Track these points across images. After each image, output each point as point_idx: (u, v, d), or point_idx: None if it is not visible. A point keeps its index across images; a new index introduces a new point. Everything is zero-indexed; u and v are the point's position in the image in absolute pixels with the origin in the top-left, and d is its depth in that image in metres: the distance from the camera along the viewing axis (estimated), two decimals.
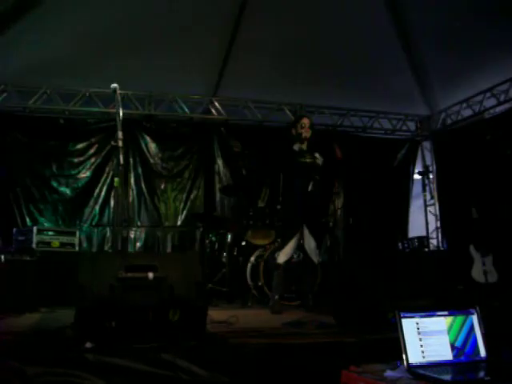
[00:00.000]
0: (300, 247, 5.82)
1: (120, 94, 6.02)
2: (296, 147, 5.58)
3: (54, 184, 8.00)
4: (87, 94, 8.15)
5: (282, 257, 5.45)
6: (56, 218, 7.88)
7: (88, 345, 2.86)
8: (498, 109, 8.44)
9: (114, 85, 5.02)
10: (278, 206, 6.77)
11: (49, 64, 7.40)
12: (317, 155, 5.56)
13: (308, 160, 5.45)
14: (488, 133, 5.72)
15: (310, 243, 5.47)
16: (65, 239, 6.70)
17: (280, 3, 7.66)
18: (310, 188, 5.34)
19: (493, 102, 8.49)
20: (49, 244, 6.54)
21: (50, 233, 6.69)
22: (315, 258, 5.51)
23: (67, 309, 3.35)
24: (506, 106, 8.24)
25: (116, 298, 3.12)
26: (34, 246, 6.37)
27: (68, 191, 8.06)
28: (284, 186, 5.64)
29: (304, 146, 5.57)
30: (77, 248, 6.83)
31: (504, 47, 7.52)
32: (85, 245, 7.91)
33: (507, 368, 2.33)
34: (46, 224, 7.67)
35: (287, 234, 5.47)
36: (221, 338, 3.39)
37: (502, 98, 8.29)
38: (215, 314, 4.30)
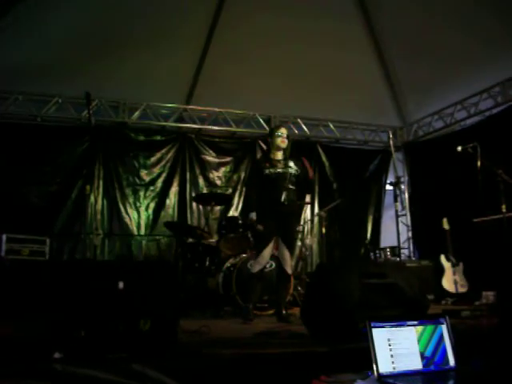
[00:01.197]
0: (274, 257, 5.83)
1: (93, 100, 6.03)
2: (270, 157, 5.57)
3: (25, 191, 7.86)
4: (60, 100, 8.08)
5: (255, 266, 5.43)
6: (26, 226, 7.74)
7: (57, 355, 2.81)
8: (469, 121, 8.59)
9: (87, 91, 4.98)
10: (251, 215, 6.76)
11: (21, 69, 7.32)
12: (291, 165, 5.56)
13: (280, 170, 5.45)
14: (458, 144, 5.78)
15: (283, 253, 5.47)
16: (35, 247, 6.60)
17: (254, 15, 7.73)
18: (283, 198, 5.34)
19: (463, 114, 8.64)
20: (18, 252, 6.44)
21: (20, 241, 6.58)
22: (289, 268, 5.51)
23: (36, 318, 3.30)
24: (476, 118, 8.39)
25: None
26: (2, 254, 6.26)
27: (39, 199, 7.93)
28: (257, 196, 5.63)
29: (279, 156, 5.57)
30: (47, 256, 6.73)
31: (475, 61, 7.67)
32: (55, 254, 7.80)
33: (476, 377, 2.35)
34: (15, 232, 7.54)
35: (261, 243, 5.46)
36: (192, 348, 3.36)
37: (473, 110, 8.44)
38: (187, 323, 4.26)
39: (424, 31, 7.78)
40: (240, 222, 7.05)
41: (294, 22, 7.89)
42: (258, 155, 8.99)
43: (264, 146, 9.06)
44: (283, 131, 5.57)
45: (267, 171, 5.41)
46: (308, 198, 9.23)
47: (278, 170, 5.42)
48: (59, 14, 7.04)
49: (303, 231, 9.11)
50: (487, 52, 7.43)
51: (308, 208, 9.43)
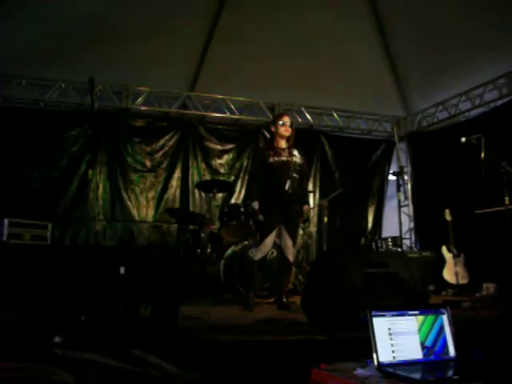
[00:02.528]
0: (276, 245, 5.82)
1: (96, 86, 6.00)
2: (274, 145, 5.55)
3: (27, 176, 7.86)
4: (63, 85, 8.06)
5: (257, 254, 5.43)
6: (28, 211, 7.75)
7: (57, 339, 2.82)
8: (473, 112, 8.54)
9: (91, 76, 4.96)
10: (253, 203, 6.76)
11: (23, 54, 7.30)
12: (295, 153, 5.55)
13: (285, 158, 5.43)
14: (462, 136, 5.75)
15: (286, 241, 5.46)
16: (37, 232, 6.61)
17: (258, 3, 7.69)
18: (287, 186, 5.32)
19: (468, 105, 8.60)
20: (20, 237, 6.44)
21: (22, 225, 6.58)
22: (290, 256, 5.51)
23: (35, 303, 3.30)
24: (481, 109, 8.35)
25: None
26: (4, 238, 6.26)
27: (41, 183, 7.94)
28: (260, 184, 5.62)
29: (283, 144, 5.55)
30: (49, 241, 6.74)
31: (480, 51, 7.61)
32: (57, 238, 7.81)
33: (476, 367, 2.35)
34: (17, 216, 7.55)
35: (263, 232, 5.45)
36: (192, 334, 3.37)
37: (477, 101, 8.39)
38: (187, 310, 4.27)
39: (429, 21, 7.72)
40: (242, 209, 7.04)
41: (300, 12, 7.84)
42: (261, 143, 8.96)
43: (267, 134, 9.03)
44: (287, 119, 5.55)
45: (271, 159, 5.39)
46: (310, 187, 9.24)
47: (283, 159, 5.40)
48: (63, 1, 7.00)
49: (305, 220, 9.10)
50: (493, 43, 7.37)
51: (310, 197, 9.41)
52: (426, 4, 7.54)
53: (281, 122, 5.52)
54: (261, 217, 5.39)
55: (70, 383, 2.47)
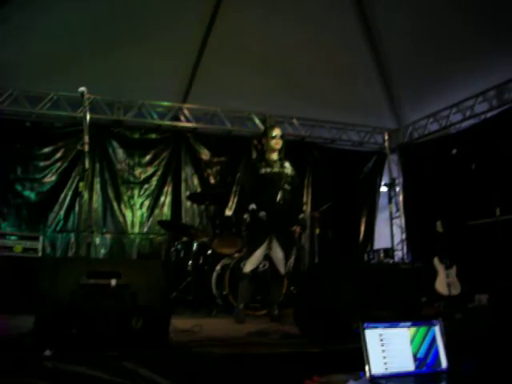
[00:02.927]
0: (267, 257, 5.81)
1: (88, 98, 5.93)
2: (266, 157, 5.56)
3: (19, 188, 7.85)
4: (55, 97, 8.05)
5: (248, 266, 5.42)
6: (19, 223, 7.72)
7: (47, 352, 2.79)
8: (464, 124, 8.60)
9: (82, 88, 4.98)
10: (246, 215, 6.76)
11: (16, 66, 7.29)
12: (287, 165, 5.56)
13: (277, 170, 5.44)
14: (453, 147, 5.80)
15: (277, 253, 5.46)
16: (28, 244, 6.56)
17: (251, 14, 7.72)
18: (278, 198, 5.33)
19: (459, 117, 8.65)
20: (11, 249, 6.40)
21: (13, 237, 6.55)
22: (282, 268, 5.50)
23: (28, 315, 3.28)
24: (471, 121, 8.40)
25: (76, 304, 3.06)
26: None
27: (32, 195, 7.92)
28: (252, 195, 5.62)
29: (274, 156, 5.56)
30: (40, 253, 6.69)
31: (470, 63, 7.68)
32: (48, 250, 7.77)
33: (468, 379, 2.35)
34: (8, 228, 7.52)
35: (254, 243, 5.44)
36: (184, 346, 3.35)
37: (468, 113, 8.44)
38: (179, 322, 4.25)
39: (421, 33, 7.78)
40: (234, 221, 7.03)
41: (291, 23, 7.89)
42: (254, 155, 8.97)
43: (259, 146, 9.04)
44: (277, 132, 5.56)
45: (263, 171, 5.39)
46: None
47: (275, 170, 5.41)
48: (56, 10, 7.00)
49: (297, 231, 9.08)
50: (483, 55, 7.44)
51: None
52: (417, 17, 7.61)
53: (271, 135, 5.53)
54: (262, 213, 5.32)
55: None
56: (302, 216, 5.73)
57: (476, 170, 5.50)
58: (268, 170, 5.41)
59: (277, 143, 5.51)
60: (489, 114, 8.07)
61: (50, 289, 3.09)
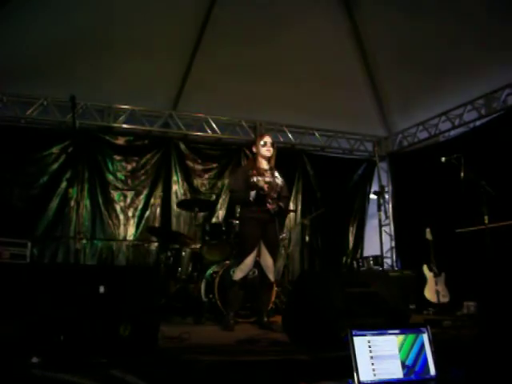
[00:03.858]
0: (256, 264, 5.81)
1: (78, 104, 5.96)
2: (257, 165, 5.55)
3: (7, 193, 7.78)
4: (45, 102, 8.02)
5: (238, 273, 5.42)
6: (7, 229, 7.66)
7: (35, 359, 2.77)
8: (453, 132, 8.66)
9: (72, 94, 4.95)
10: (235, 222, 6.76)
11: (4, 70, 7.26)
12: (277, 174, 5.57)
13: (267, 179, 5.43)
14: (442, 155, 5.82)
15: (266, 260, 5.46)
16: (15, 250, 6.51)
17: (242, 21, 7.74)
18: (268, 206, 5.33)
19: (448, 125, 8.71)
20: None
21: (1, 243, 6.49)
22: (271, 276, 5.50)
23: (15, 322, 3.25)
24: (460, 129, 8.46)
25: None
26: None
27: (21, 201, 7.86)
28: (242, 203, 5.62)
29: (265, 164, 5.56)
30: (28, 260, 6.65)
31: (460, 73, 7.74)
32: (36, 257, 7.71)
33: None
34: None
35: (244, 251, 5.44)
36: (172, 354, 3.34)
37: (457, 122, 8.51)
38: (168, 329, 4.23)
39: (410, 42, 7.84)
40: (223, 228, 7.02)
41: (282, 31, 7.91)
42: (244, 163, 8.97)
43: (249, 154, 9.07)
44: (268, 139, 5.56)
45: (254, 179, 5.38)
46: (291, 206, 9.26)
47: (266, 179, 5.39)
48: (46, 15, 7.00)
49: (288, 239, 9.10)
50: (472, 65, 7.50)
51: (291, 216, 9.43)
52: (406, 28, 7.66)
53: (262, 142, 5.53)
54: (242, 232, 5.32)
55: None
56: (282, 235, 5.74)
57: (465, 178, 5.51)
58: (260, 178, 5.39)
59: (268, 150, 5.51)
60: (477, 123, 8.14)
61: None
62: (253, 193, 5.28)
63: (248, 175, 5.46)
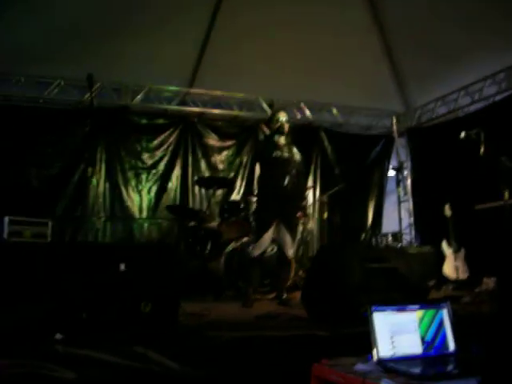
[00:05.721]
0: (275, 241, 5.83)
1: (95, 83, 5.94)
2: (274, 141, 5.55)
3: (27, 174, 7.85)
4: (62, 82, 8.04)
5: (256, 250, 5.45)
6: (28, 209, 7.74)
7: (58, 336, 2.83)
8: (473, 107, 8.54)
9: (90, 74, 4.96)
10: (254, 199, 6.77)
11: (22, 51, 7.29)
12: (295, 151, 5.56)
13: (285, 154, 5.44)
14: (462, 130, 5.75)
15: (284, 237, 5.48)
16: (37, 230, 6.59)
17: None
18: (286, 182, 5.34)
19: (467, 100, 8.59)
20: (20, 234, 6.43)
21: (22, 223, 6.57)
22: (290, 252, 5.52)
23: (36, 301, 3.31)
24: (480, 104, 8.35)
25: None
26: (5, 236, 6.25)
27: (41, 181, 7.93)
28: (260, 179, 5.63)
29: (282, 140, 5.55)
30: (49, 239, 6.73)
31: (480, 46, 7.61)
32: (57, 236, 7.79)
33: (475, 362, 2.36)
34: (17, 214, 7.54)
35: (262, 227, 5.46)
36: (193, 330, 3.38)
37: (476, 96, 8.38)
38: (188, 306, 4.28)
39: (429, 16, 7.71)
40: (242, 206, 7.04)
41: (298, 7, 7.83)
42: (264, 139, 8.95)
43: (266, 130, 9.03)
44: (283, 116, 5.56)
45: (274, 154, 5.38)
46: (310, 183, 9.25)
47: (284, 155, 5.41)
48: None
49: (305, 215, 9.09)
50: (492, 38, 7.37)
51: (310, 193, 9.41)
52: (426, 2, 7.54)
53: (277, 119, 5.53)
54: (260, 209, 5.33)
55: (71, 380, 2.48)
56: (304, 203, 5.77)
57: (484, 153, 5.45)
58: (278, 153, 5.41)
59: (284, 126, 5.51)
60: (498, 97, 8.01)
61: None
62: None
63: (266, 150, 5.47)
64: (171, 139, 8.85)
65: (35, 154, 7.94)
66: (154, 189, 8.63)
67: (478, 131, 5.62)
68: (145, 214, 8.52)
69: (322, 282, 3.82)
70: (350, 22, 8.21)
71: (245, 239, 6.55)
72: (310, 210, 9.20)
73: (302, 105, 9.48)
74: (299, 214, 5.75)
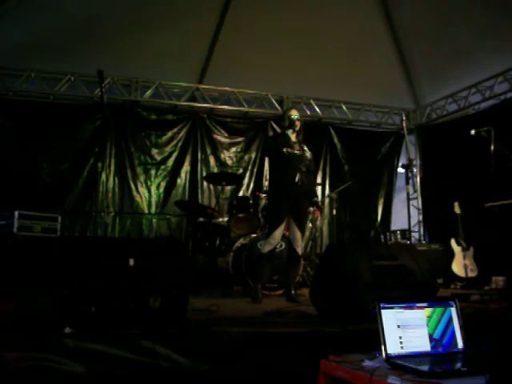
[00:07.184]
0: (284, 237, 5.83)
1: (105, 79, 5.97)
2: (286, 138, 5.54)
3: (37, 169, 7.89)
4: (72, 78, 8.07)
5: (266, 246, 5.45)
6: (38, 203, 7.78)
7: (67, 330, 2.84)
8: (483, 105, 8.50)
9: (100, 69, 4.98)
10: (263, 195, 6.78)
11: (33, 47, 7.32)
12: (306, 148, 5.56)
13: (297, 151, 5.44)
14: (472, 128, 5.73)
15: (294, 234, 5.47)
16: (46, 224, 6.62)
17: None
18: (296, 179, 5.34)
19: (478, 97, 8.55)
20: (30, 229, 6.47)
21: (32, 218, 6.61)
22: (299, 249, 5.52)
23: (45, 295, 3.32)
24: (491, 102, 8.30)
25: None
26: (15, 230, 6.29)
27: (51, 176, 7.97)
28: (270, 176, 5.64)
29: (293, 137, 5.55)
30: (58, 233, 6.76)
31: (490, 44, 7.57)
32: (67, 231, 7.84)
33: (484, 360, 2.35)
34: (27, 209, 7.59)
35: (273, 224, 5.46)
36: (201, 325, 3.38)
37: (487, 94, 8.34)
38: (196, 302, 4.29)
39: (440, 14, 7.67)
40: (251, 201, 7.04)
41: (310, 4, 7.81)
42: (275, 135, 8.94)
43: (276, 127, 9.05)
44: (296, 113, 5.56)
45: (285, 150, 5.38)
46: (319, 180, 9.24)
47: (296, 152, 5.41)
48: None
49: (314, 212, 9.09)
50: (503, 35, 7.33)
51: (319, 189, 9.40)
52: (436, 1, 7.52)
53: (289, 116, 5.53)
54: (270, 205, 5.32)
55: (80, 374, 2.49)
56: (316, 199, 5.77)
57: (495, 151, 5.43)
58: (289, 150, 5.40)
59: (295, 123, 5.50)
60: (509, 95, 7.97)
61: None
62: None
63: (277, 146, 5.46)
64: (180, 135, 8.87)
65: (45, 149, 7.99)
66: (163, 184, 8.66)
67: (488, 129, 5.60)
68: (154, 209, 8.55)
69: (331, 279, 3.82)
70: (361, 20, 8.19)
71: (253, 235, 6.55)
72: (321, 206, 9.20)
73: (312, 101, 9.46)
74: (314, 208, 5.76)
